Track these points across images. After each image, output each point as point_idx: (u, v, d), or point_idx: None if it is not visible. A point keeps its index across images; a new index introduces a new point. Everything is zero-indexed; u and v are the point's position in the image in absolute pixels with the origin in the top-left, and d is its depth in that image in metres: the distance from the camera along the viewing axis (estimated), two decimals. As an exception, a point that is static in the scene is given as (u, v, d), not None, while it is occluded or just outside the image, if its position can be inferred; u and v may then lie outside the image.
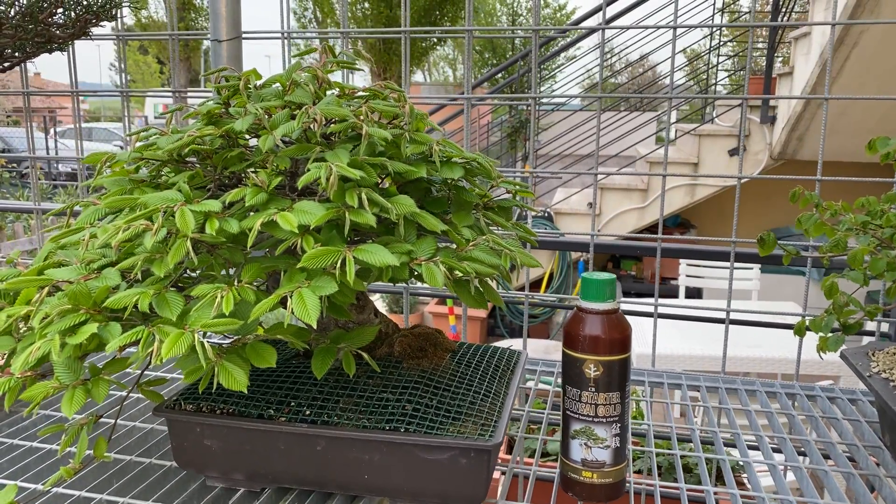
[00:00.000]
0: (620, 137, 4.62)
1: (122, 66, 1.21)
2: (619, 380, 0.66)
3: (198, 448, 0.68)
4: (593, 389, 0.66)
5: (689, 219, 5.43)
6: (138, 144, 0.63)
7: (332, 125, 0.59)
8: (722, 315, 1.05)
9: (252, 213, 0.57)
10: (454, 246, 0.63)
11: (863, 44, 2.97)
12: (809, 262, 0.89)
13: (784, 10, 4.10)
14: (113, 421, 0.75)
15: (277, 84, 0.64)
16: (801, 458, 0.83)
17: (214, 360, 0.54)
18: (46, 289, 0.55)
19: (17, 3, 0.66)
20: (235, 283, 0.56)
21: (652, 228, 5.01)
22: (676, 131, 4.72)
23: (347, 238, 0.59)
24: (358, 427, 0.64)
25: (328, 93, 0.67)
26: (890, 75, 3.12)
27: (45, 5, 0.67)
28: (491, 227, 0.71)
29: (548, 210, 4.60)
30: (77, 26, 0.75)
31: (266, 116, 0.59)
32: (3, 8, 0.65)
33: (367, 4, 9.64)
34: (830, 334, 0.67)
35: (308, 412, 0.66)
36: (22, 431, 0.81)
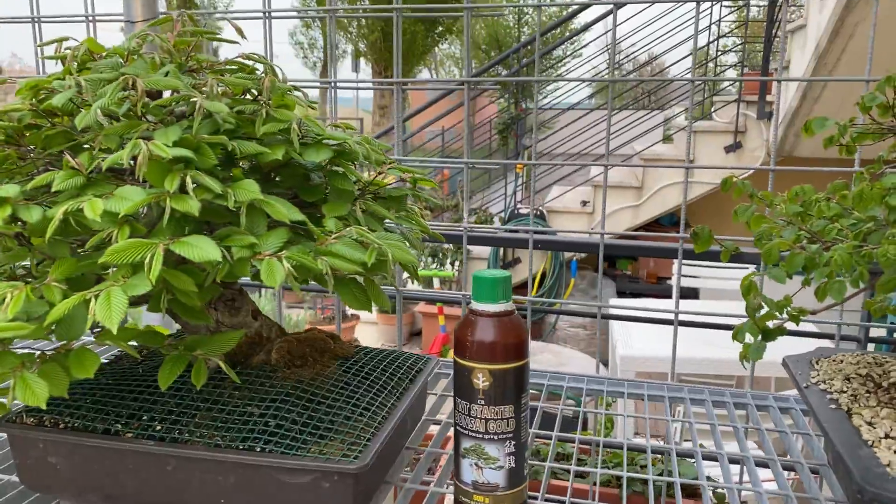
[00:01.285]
0: (617, 133, 4.53)
1: (40, 50, 1.13)
2: (514, 391, 0.58)
3: (43, 466, 0.60)
4: (482, 402, 0.58)
5: (687, 217, 5.32)
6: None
7: (164, 98, 0.51)
8: (669, 316, 0.97)
9: (68, 200, 0.49)
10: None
11: (859, 35, 2.87)
12: (764, 262, 0.80)
13: (779, 2, 3.99)
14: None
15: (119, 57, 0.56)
16: (735, 468, 0.75)
17: (12, 372, 0.46)
18: None
19: None
20: (45, 279, 0.48)
21: (648, 226, 4.91)
22: (671, 127, 4.62)
23: (193, 228, 0.51)
24: (210, 445, 0.56)
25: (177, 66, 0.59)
26: (887, 67, 3.01)
27: None
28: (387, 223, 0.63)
29: (541, 208, 4.51)
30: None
31: (93, 89, 0.52)
32: None
33: (366, 2, 9.57)
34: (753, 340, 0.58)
35: (159, 427, 0.58)
36: None
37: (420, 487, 0.68)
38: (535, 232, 1.01)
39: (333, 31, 1.02)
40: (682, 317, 1.01)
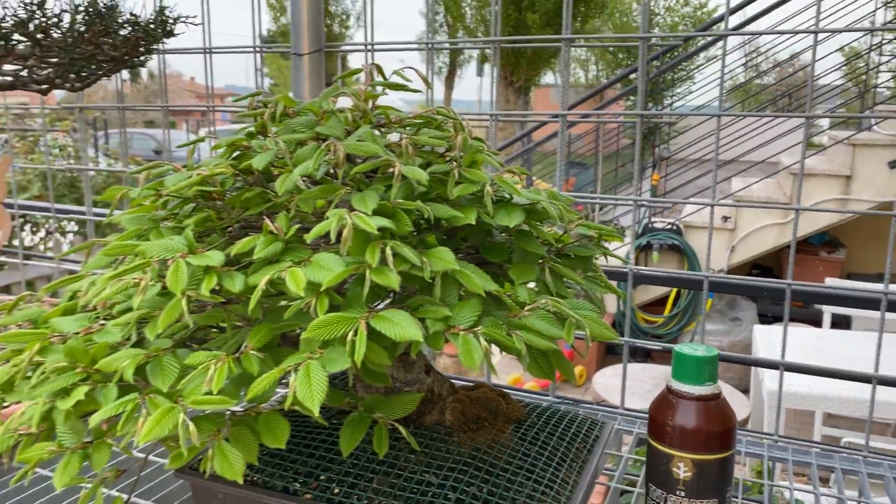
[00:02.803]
0: (766, 143, 4.25)
1: (163, 83, 1.18)
2: (719, 484, 0.52)
3: (221, 516, 0.61)
4: (682, 494, 0.52)
5: (839, 236, 4.89)
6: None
7: (364, 163, 0.49)
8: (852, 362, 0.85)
9: (266, 267, 0.48)
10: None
11: None
12: None
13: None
14: (135, 477, 0.70)
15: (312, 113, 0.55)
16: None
17: (209, 441, 0.46)
18: (39, 343, 0.50)
19: (54, 30, 0.62)
20: (243, 347, 0.48)
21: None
22: (820, 136, 4.28)
23: (384, 296, 0.50)
24: (389, 516, 0.54)
25: (378, 119, 0.57)
26: None
27: (84, 29, 0.63)
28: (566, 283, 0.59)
29: (677, 223, 4.30)
30: (128, 45, 0.70)
31: (290, 150, 0.51)
32: (40, 35, 0.62)
33: (496, 8, 9.54)
34: None
35: (337, 490, 0.56)
36: (68, 468, 0.77)
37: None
38: (710, 277, 0.93)
39: (497, 61, 0.99)
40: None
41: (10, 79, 0.88)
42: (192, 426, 0.43)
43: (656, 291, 4.22)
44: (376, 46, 1.04)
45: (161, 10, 0.70)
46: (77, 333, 0.51)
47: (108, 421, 0.48)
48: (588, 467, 0.62)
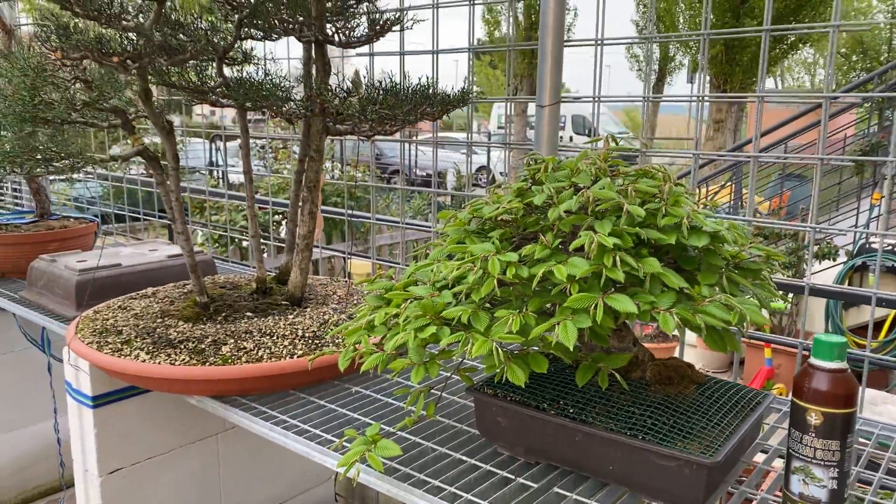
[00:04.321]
0: None
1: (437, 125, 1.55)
2: (841, 431, 0.75)
3: (493, 423, 0.94)
4: (813, 435, 0.76)
5: None
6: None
7: (603, 203, 0.80)
8: None
9: (540, 263, 0.80)
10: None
11: None
12: None
13: None
14: (439, 393, 1.05)
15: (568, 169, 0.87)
16: None
17: (505, 361, 0.79)
18: (405, 300, 0.86)
19: (403, 106, 1.00)
20: (524, 309, 0.80)
21: None
22: None
23: (611, 286, 0.79)
24: (606, 429, 0.83)
25: (610, 172, 0.87)
26: None
27: (418, 105, 1.00)
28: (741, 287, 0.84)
29: (900, 245, 4.06)
30: (438, 110, 1.07)
31: (556, 193, 0.83)
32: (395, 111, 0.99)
33: (711, 16, 9.33)
34: None
35: (572, 410, 0.87)
36: (382, 390, 1.16)
37: (750, 493, 0.88)
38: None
39: (701, 115, 1.23)
40: None
41: (347, 127, 1.30)
42: (500, 350, 0.76)
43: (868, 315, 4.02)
44: (603, 98, 1.33)
45: (464, 91, 1.06)
46: (427, 296, 0.86)
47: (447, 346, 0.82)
48: (749, 419, 0.87)
